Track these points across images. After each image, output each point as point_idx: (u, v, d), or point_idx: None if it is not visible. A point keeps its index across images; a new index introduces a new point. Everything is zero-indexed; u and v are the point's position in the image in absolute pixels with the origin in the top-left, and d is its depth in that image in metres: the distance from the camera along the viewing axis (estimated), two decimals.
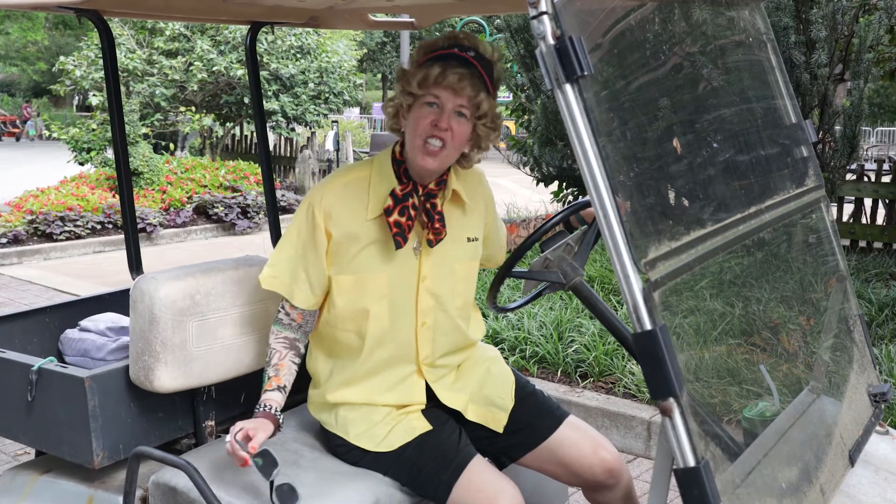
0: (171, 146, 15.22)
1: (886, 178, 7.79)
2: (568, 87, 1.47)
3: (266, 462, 2.07)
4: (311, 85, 14.91)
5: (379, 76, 40.04)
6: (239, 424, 2.15)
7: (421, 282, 2.29)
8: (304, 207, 2.28)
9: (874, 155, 16.28)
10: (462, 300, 2.38)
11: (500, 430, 2.41)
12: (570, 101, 1.48)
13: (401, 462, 2.25)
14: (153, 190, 11.59)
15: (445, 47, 2.17)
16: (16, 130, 34.87)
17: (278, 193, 11.72)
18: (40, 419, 2.40)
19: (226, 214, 11.64)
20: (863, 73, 6.34)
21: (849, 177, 7.72)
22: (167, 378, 2.35)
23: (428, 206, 2.25)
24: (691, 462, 1.49)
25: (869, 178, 7.91)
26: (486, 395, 2.43)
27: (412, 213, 2.23)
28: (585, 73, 1.46)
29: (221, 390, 2.60)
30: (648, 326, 1.47)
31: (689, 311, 1.86)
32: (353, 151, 15.30)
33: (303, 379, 2.82)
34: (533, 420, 2.43)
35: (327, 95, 15.31)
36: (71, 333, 2.90)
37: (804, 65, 6.25)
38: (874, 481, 2.18)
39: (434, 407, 2.37)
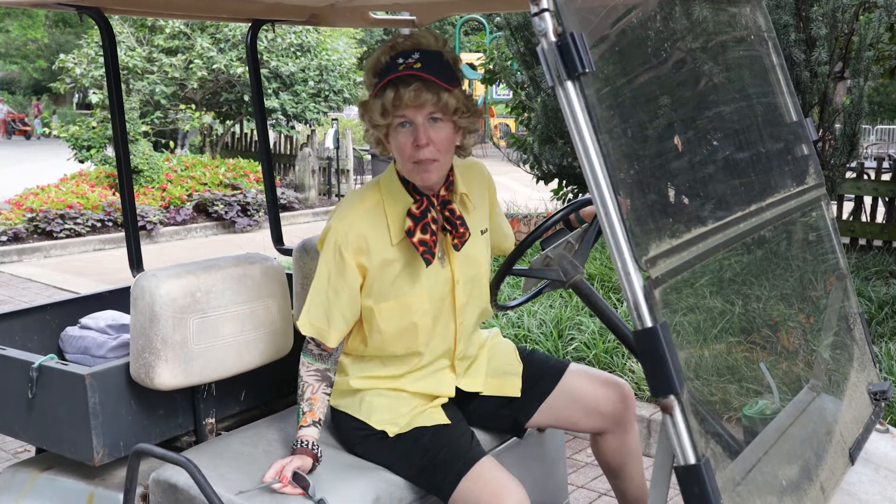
0: (171, 144, 15.21)
1: (886, 176, 7.79)
2: (569, 85, 1.47)
3: (301, 485, 2.12)
4: (311, 83, 14.91)
5: None
6: (277, 464, 2.18)
7: (455, 286, 2.33)
8: (329, 248, 2.25)
9: (874, 153, 16.27)
10: (486, 291, 2.44)
11: (518, 394, 2.50)
12: (572, 98, 1.48)
13: (416, 447, 2.28)
14: (153, 188, 11.59)
15: (389, 60, 2.15)
16: (26, 128, 34.81)
17: (278, 191, 11.70)
18: (41, 416, 2.40)
19: (226, 212, 11.64)
20: (863, 71, 6.33)
21: (849, 175, 7.71)
22: (168, 375, 2.35)
23: (447, 213, 2.26)
24: (692, 459, 1.49)
25: (869, 176, 7.90)
26: (497, 367, 2.54)
27: (433, 227, 2.23)
28: (587, 70, 1.46)
29: (222, 388, 2.60)
30: (649, 324, 1.47)
31: (689, 308, 1.86)
32: (353, 149, 15.27)
33: None
34: (541, 371, 2.54)
35: (327, 93, 15.30)
36: (71, 331, 2.90)
37: (804, 63, 6.24)
38: (874, 479, 2.18)
39: (451, 404, 2.43)
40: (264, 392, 2.78)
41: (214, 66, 13.79)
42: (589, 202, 2.59)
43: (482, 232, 2.41)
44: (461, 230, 2.26)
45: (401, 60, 2.12)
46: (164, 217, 11.07)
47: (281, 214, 3.71)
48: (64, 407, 2.34)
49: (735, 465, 1.80)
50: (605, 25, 1.74)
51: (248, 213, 11.88)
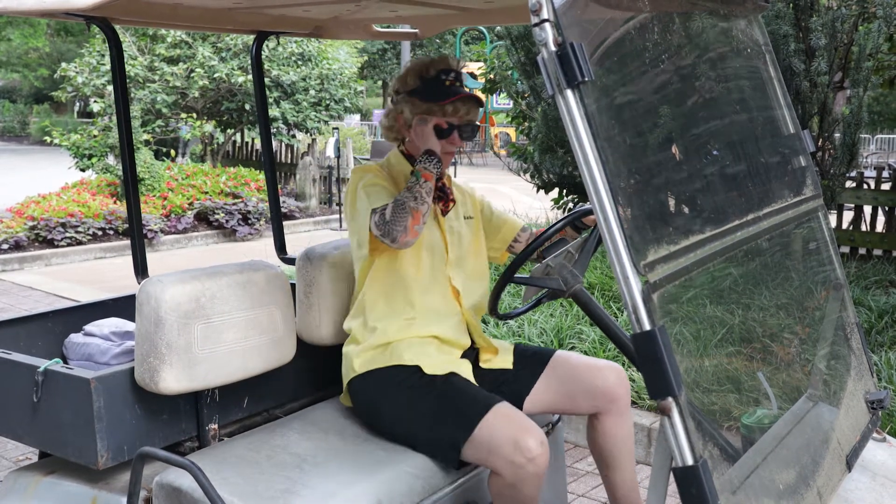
0: (173, 153, 15.23)
1: (886, 186, 7.81)
2: (569, 93, 1.50)
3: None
4: (312, 92, 14.94)
5: (379, 83, 40.05)
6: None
7: (448, 244, 2.67)
8: (359, 183, 2.57)
9: (874, 162, 16.30)
10: (479, 266, 2.78)
11: (510, 366, 2.74)
12: (572, 106, 1.50)
13: (449, 386, 2.49)
14: (154, 196, 11.60)
15: (435, 74, 2.61)
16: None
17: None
18: (45, 420, 2.42)
19: (227, 221, 11.65)
20: (862, 80, 6.35)
21: (848, 184, 7.73)
22: (172, 380, 2.37)
23: (439, 185, 2.72)
24: (689, 461, 1.51)
25: (868, 185, 7.93)
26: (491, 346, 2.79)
27: (436, 193, 2.68)
28: (586, 78, 1.49)
29: (225, 393, 2.62)
30: (647, 327, 1.50)
31: (688, 319, 1.88)
32: (354, 158, 15.29)
33: (316, 382, 2.85)
34: (532, 353, 2.82)
35: (328, 102, 15.33)
36: (75, 338, 2.92)
37: (804, 73, 6.27)
38: (871, 487, 2.20)
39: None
40: (267, 398, 2.80)
41: (216, 75, 13.81)
42: (588, 212, 2.62)
43: (465, 217, 2.80)
44: (451, 198, 2.74)
45: (443, 77, 2.61)
46: (164, 225, 11.08)
47: (283, 223, 3.73)
48: (68, 411, 2.36)
49: (733, 472, 1.82)
50: (605, 36, 1.77)
51: (249, 221, 11.90)
